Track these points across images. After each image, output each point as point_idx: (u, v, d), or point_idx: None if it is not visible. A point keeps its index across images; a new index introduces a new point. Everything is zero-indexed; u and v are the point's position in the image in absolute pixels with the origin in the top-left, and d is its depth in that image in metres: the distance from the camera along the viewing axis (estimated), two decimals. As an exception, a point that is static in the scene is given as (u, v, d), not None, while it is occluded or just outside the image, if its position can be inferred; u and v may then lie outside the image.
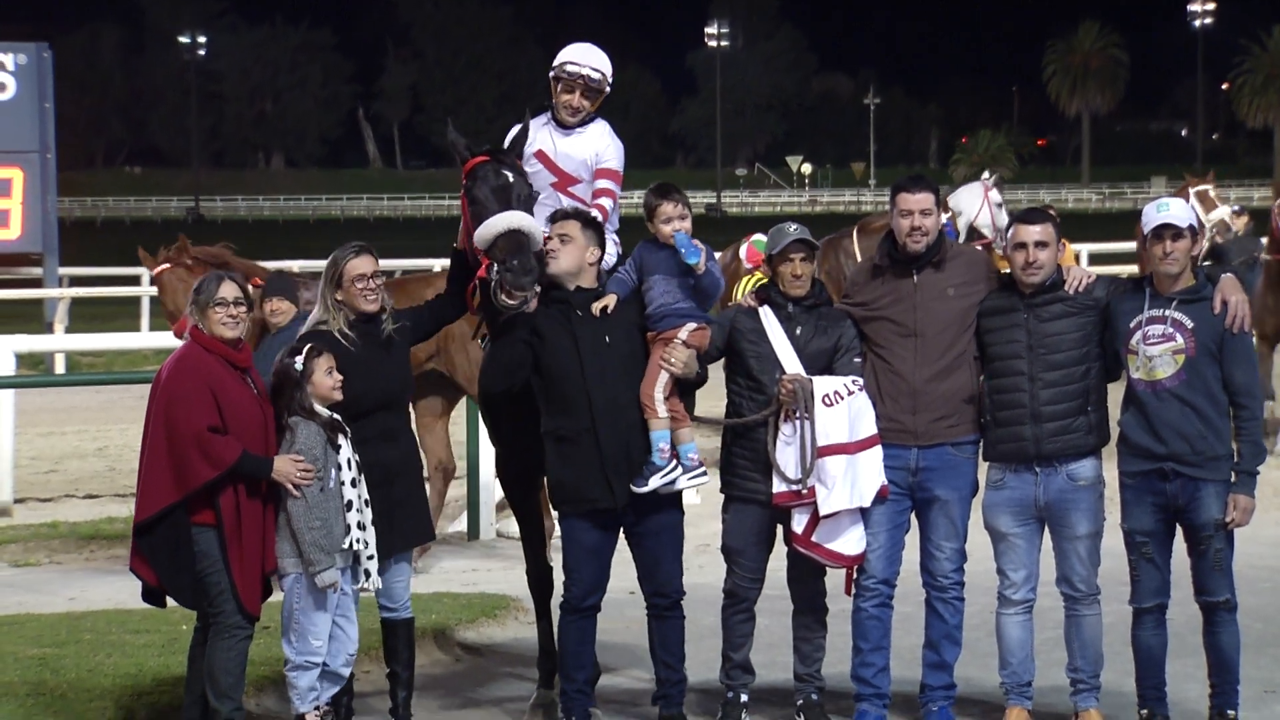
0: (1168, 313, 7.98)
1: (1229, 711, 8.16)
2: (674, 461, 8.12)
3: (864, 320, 8.38)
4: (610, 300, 8.20)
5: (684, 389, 8.26)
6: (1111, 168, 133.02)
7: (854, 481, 8.14)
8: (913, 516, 8.40)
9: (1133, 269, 20.60)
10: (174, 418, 7.69)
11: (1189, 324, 7.94)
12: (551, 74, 8.87)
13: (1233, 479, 7.99)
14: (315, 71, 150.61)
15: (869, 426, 8.19)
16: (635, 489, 8.10)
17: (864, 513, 8.23)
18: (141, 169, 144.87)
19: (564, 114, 8.82)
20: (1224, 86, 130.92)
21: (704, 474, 8.23)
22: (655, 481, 8.10)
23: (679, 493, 8.25)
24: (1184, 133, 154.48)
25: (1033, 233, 8.19)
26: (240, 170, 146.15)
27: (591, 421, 8.10)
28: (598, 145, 8.84)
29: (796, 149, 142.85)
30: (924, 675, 8.48)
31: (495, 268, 7.96)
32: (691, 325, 8.17)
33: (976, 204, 17.54)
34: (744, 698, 8.50)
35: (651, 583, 8.35)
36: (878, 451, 8.20)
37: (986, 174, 18.69)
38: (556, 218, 8.32)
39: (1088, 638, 8.27)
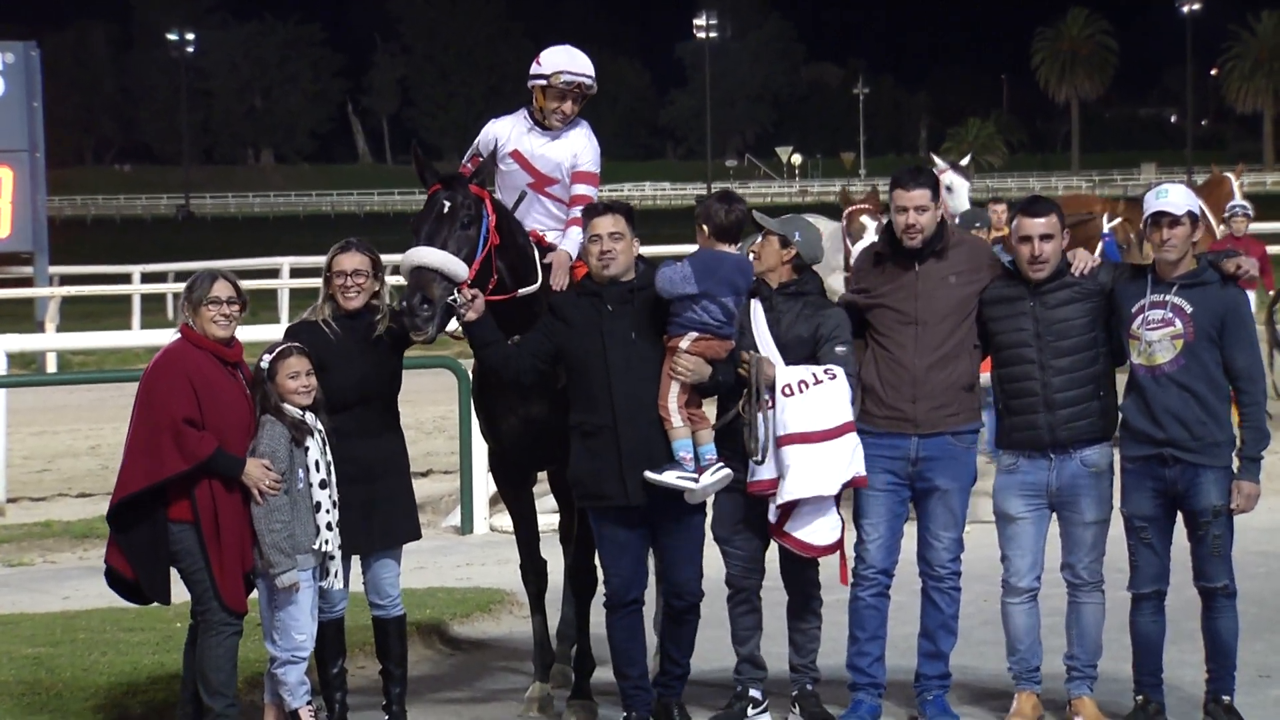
0: (1168, 298, 7.94)
1: (1224, 697, 8.14)
2: (695, 468, 8.04)
3: (866, 308, 8.34)
4: None
5: (703, 392, 8.16)
6: (1101, 154, 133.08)
7: (816, 469, 8.03)
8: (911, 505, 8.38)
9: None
10: (152, 406, 7.69)
11: (1188, 309, 7.91)
12: (542, 81, 8.78)
13: (1236, 465, 7.95)
14: (304, 66, 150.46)
15: (841, 415, 8.07)
16: (648, 475, 7.97)
17: (862, 503, 8.21)
18: (131, 167, 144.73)
19: (554, 120, 8.78)
20: (1213, 72, 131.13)
21: (724, 470, 8.07)
22: (670, 477, 7.97)
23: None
24: (1173, 119, 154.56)
25: (1037, 225, 8.08)
26: (230, 166, 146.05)
27: (613, 417, 8.03)
28: (575, 147, 8.81)
29: (786, 139, 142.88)
30: (919, 664, 8.45)
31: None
32: (693, 335, 8.05)
33: None
34: (754, 692, 8.44)
35: (669, 583, 8.32)
36: (850, 439, 8.08)
37: (938, 160, 17.68)
38: (596, 212, 8.18)
39: (1087, 625, 8.25)
